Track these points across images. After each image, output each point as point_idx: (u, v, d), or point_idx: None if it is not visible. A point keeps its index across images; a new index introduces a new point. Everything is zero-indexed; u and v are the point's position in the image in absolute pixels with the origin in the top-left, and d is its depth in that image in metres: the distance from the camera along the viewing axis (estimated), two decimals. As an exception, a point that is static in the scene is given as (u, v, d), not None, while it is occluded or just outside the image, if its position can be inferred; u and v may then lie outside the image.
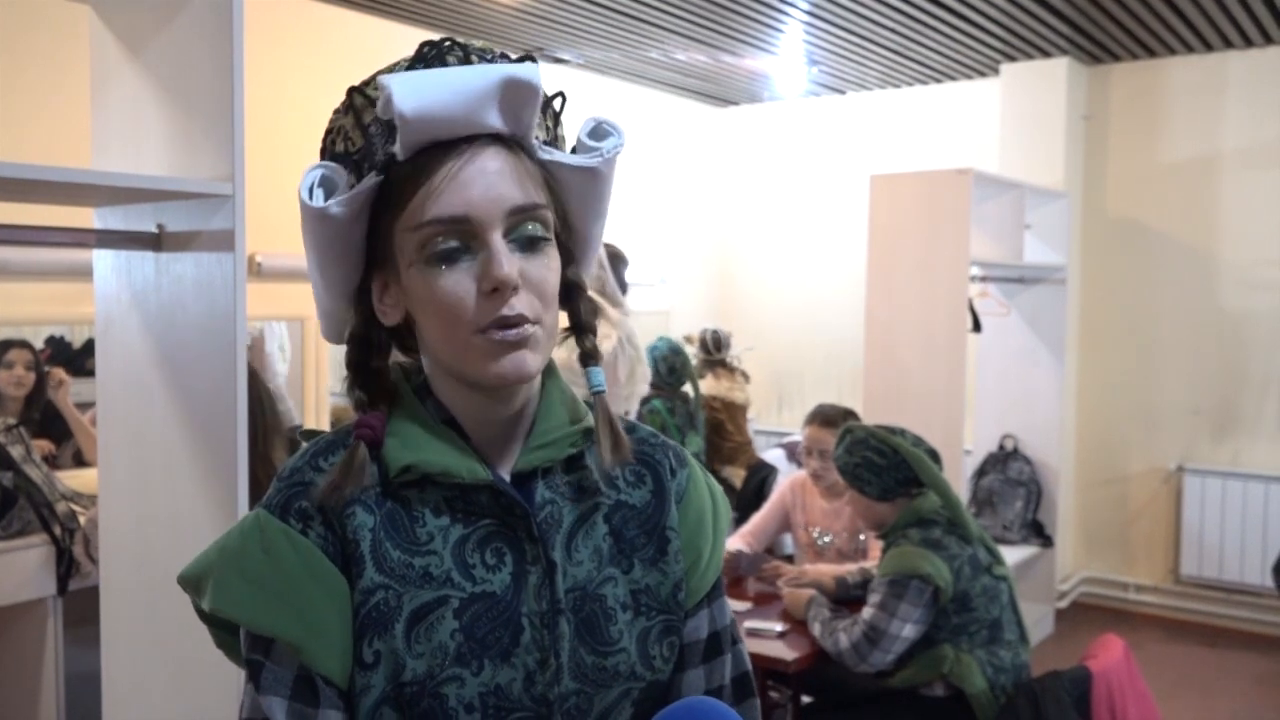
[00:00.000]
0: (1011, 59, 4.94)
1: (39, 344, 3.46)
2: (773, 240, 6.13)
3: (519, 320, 0.79)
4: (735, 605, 2.88)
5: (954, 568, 2.42)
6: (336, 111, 0.84)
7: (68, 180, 1.50)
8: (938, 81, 5.48)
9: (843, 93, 5.79)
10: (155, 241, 1.72)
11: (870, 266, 4.12)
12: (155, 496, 1.75)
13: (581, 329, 0.91)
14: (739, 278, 6.25)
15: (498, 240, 0.79)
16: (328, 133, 0.85)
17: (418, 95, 0.76)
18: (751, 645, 2.58)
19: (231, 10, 1.59)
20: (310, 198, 0.79)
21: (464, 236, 0.79)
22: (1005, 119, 5.03)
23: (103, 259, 1.83)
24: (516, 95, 0.79)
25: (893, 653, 2.43)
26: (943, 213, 3.90)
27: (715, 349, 4.98)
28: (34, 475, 2.86)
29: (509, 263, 0.78)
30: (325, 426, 4.11)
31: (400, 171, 0.79)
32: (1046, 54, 4.83)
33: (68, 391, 3.40)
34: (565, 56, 4.99)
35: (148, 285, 1.74)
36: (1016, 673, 2.45)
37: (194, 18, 1.64)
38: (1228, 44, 4.65)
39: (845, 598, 2.84)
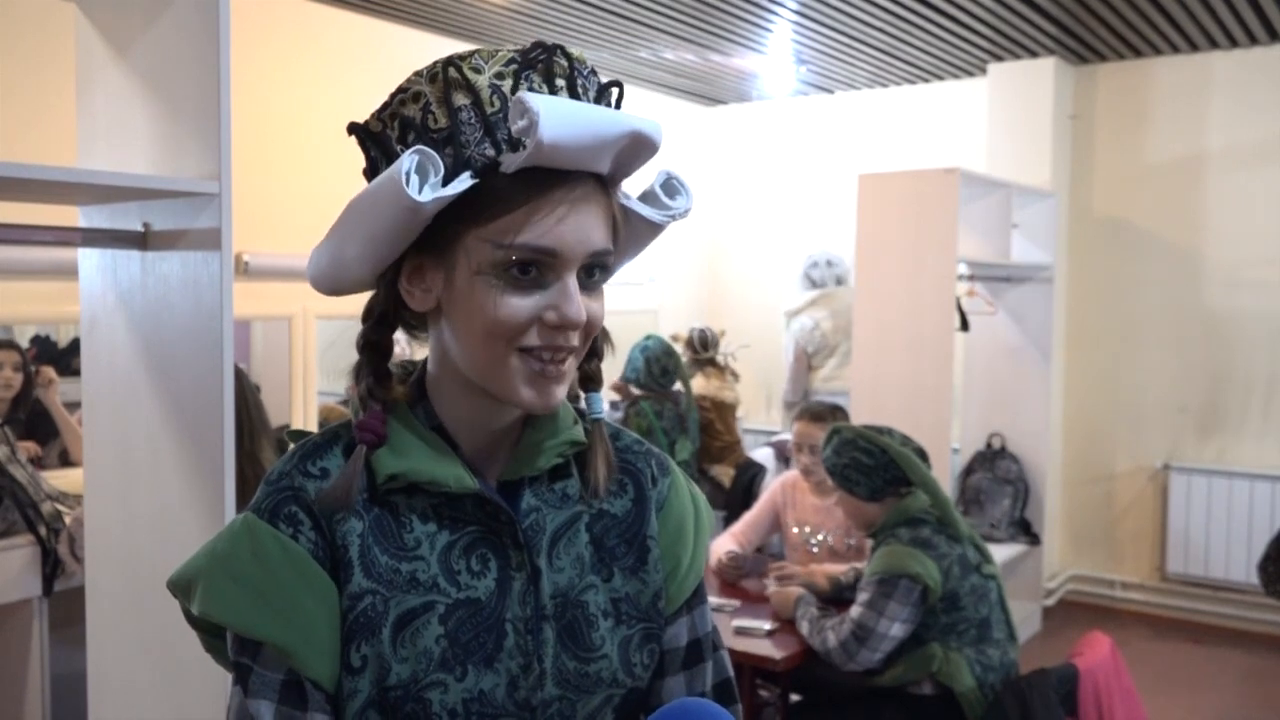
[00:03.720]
0: (999, 59, 4.96)
1: (24, 343, 3.44)
2: (761, 239, 6.14)
3: (568, 354, 0.81)
4: (724, 604, 2.88)
5: (943, 567, 2.43)
6: (418, 74, 0.81)
7: (53, 179, 1.49)
8: (925, 81, 5.49)
9: (831, 92, 5.80)
10: (141, 240, 1.71)
11: (858, 265, 4.13)
12: (141, 496, 1.74)
13: (590, 353, 0.91)
14: (727, 276, 6.26)
15: (573, 279, 0.80)
16: (400, 90, 0.81)
17: (561, 128, 0.75)
18: (740, 644, 2.58)
19: (218, 8, 1.58)
20: (407, 185, 0.76)
21: (543, 267, 0.80)
22: (992, 119, 5.05)
23: (88, 258, 1.82)
24: (636, 149, 0.82)
25: (881, 651, 2.43)
26: (930, 212, 3.91)
27: (703, 348, 4.95)
28: (19, 475, 2.85)
29: (581, 304, 0.80)
30: (313, 425, 4.10)
31: (500, 184, 0.78)
32: (1033, 54, 4.85)
33: (57, 390, 3.38)
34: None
35: (133, 284, 1.73)
36: (1005, 671, 2.46)
37: (180, 16, 1.64)
38: (1213, 44, 4.67)
39: (838, 598, 2.81)
